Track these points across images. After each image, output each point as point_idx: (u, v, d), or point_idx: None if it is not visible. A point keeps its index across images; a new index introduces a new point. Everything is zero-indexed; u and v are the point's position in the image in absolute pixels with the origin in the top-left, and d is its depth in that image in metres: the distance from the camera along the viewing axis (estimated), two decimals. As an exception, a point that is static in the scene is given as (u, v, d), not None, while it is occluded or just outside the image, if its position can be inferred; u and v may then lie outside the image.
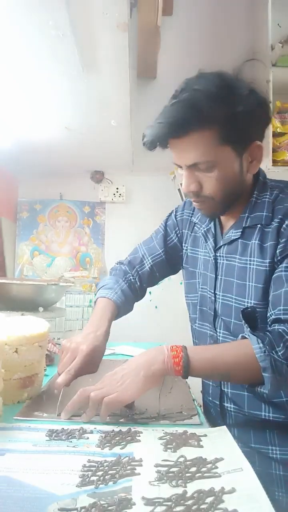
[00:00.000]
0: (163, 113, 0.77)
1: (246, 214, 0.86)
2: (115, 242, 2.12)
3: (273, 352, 0.71)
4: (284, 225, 0.80)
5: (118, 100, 1.29)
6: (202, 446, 0.64)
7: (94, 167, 2.12)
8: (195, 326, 0.99)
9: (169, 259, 1.06)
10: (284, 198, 0.83)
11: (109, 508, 0.46)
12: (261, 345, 0.71)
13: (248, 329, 0.80)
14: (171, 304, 2.04)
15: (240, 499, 0.48)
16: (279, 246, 0.80)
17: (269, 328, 0.76)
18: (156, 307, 2.05)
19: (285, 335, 0.72)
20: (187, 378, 0.75)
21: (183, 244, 1.04)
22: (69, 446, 0.64)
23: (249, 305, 0.84)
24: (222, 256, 0.90)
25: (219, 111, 0.73)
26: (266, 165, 1.74)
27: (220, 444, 0.65)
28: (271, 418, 0.84)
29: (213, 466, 0.56)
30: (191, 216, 1.02)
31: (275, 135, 1.77)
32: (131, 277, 1.06)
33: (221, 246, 0.91)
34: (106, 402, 0.71)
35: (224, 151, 0.77)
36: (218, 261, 0.91)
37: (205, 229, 0.96)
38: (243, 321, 0.82)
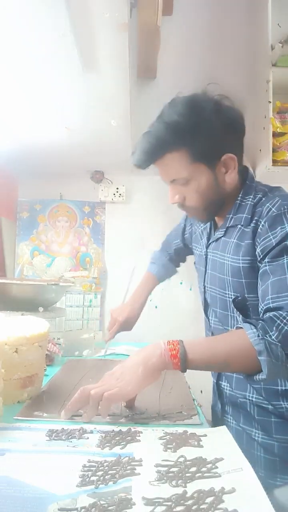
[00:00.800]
0: (139, 142, 0.91)
1: (231, 215, 0.95)
2: (115, 242, 2.12)
3: (267, 336, 0.72)
4: (260, 226, 0.86)
5: (118, 100, 1.29)
6: (202, 446, 0.64)
7: (94, 167, 2.11)
8: (204, 315, 1.11)
9: (186, 246, 1.33)
10: (264, 201, 0.89)
11: (109, 508, 0.46)
12: (254, 330, 0.73)
13: (241, 317, 0.86)
14: (171, 304, 2.04)
15: (240, 499, 0.48)
16: (259, 246, 0.85)
17: (261, 317, 0.79)
18: (156, 307, 2.05)
19: (277, 320, 0.74)
20: (185, 371, 0.76)
21: (192, 240, 1.21)
22: (69, 446, 0.64)
23: (229, 296, 0.93)
24: (211, 252, 1.00)
25: (184, 137, 0.85)
26: (266, 165, 1.74)
27: (220, 444, 0.65)
28: (253, 399, 0.91)
29: (213, 466, 0.56)
30: None
31: (275, 135, 1.76)
32: (169, 252, 1.40)
33: (210, 243, 1.01)
34: (106, 397, 0.72)
35: (197, 167, 0.89)
36: (208, 256, 1.01)
37: (202, 228, 1.09)
38: (235, 309, 0.90)
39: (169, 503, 0.47)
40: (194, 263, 1.17)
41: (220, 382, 1.00)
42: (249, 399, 0.92)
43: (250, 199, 0.92)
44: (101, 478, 0.53)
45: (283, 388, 0.89)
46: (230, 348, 0.76)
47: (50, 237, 2.10)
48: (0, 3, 0.80)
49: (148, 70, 1.96)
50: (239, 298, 0.88)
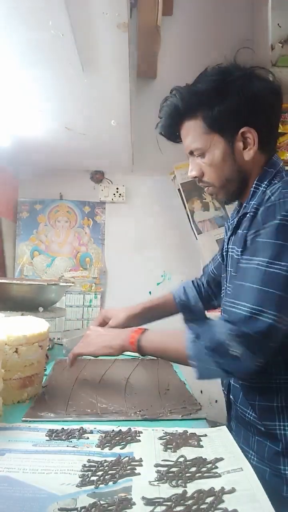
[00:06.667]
0: (163, 107, 0.90)
1: (245, 204, 0.87)
2: (115, 242, 2.12)
3: (200, 342, 0.74)
4: (258, 214, 0.79)
5: (118, 100, 1.29)
6: (202, 446, 0.64)
7: (94, 167, 2.11)
8: None
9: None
10: (274, 186, 0.81)
11: (109, 508, 0.46)
12: (190, 334, 0.76)
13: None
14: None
15: (240, 499, 0.48)
16: (249, 235, 0.80)
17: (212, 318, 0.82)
18: (156, 306, 2.05)
19: (215, 326, 0.75)
20: (143, 355, 0.88)
21: None
22: (69, 446, 0.64)
23: None
24: (230, 248, 0.93)
25: (199, 102, 0.82)
26: (266, 165, 1.74)
27: (220, 444, 0.65)
28: (251, 418, 0.83)
29: (213, 466, 0.56)
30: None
31: (275, 135, 1.76)
32: (198, 281, 1.17)
33: (230, 237, 0.93)
34: (72, 351, 0.95)
35: (212, 138, 0.84)
36: (228, 252, 0.93)
37: (229, 223, 0.99)
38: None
39: (169, 503, 0.47)
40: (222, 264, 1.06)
41: (230, 395, 0.91)
42: (247, 417, 0.84)
43: (264, 185, 0.84)
44: (101, 478, 0.53)
45: (279, 404, 0.79)
46: (178, 346, 0.79)
47: (50, 237, 2.10)
48: (0, 3, 0.80)
49: (148, 70, 1.96)
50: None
